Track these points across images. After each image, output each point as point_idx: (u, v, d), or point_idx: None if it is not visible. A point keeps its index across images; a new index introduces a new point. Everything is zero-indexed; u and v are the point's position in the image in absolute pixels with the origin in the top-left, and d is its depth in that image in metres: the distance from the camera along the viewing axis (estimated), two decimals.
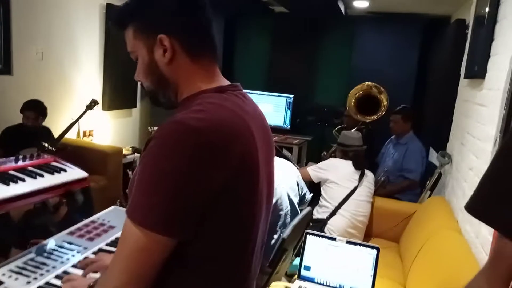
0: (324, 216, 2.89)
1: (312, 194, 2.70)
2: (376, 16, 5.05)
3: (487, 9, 2.28)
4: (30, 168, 1.31)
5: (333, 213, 2.87)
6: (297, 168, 3.08)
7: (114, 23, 0.92)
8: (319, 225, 2.84)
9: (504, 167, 0.67)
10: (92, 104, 3.76)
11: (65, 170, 1.37)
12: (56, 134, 3.51)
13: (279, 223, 2.26)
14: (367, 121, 4.01)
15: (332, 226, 2.84)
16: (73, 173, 1.38)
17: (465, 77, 2.85)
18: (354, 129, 3.73)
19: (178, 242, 0.77)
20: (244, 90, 0.95)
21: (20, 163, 1.32)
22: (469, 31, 2.94)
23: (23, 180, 1.22)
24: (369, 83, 4.02)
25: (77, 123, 3.75)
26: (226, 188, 0.77)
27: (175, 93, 0.90)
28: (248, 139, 0.83)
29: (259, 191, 0.86)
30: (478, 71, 2.34)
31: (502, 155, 0.67)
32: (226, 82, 0.92)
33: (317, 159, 3.72)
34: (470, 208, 0.71)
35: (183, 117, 0.77)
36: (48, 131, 3.48)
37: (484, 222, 0.70)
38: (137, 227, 0.74)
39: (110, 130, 4.65)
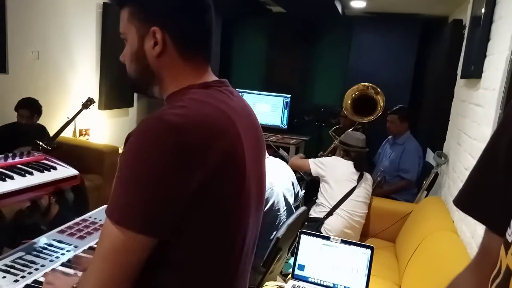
0: (321, 215, 2.88)
1: (304, 191, 2.70)
2: (373, 16, 5.05)
3: (483, 10, 2.28)
4: (19, 165, 1.29)
5: (330, 213, 2.85)
6: (296, 158, 3.11)
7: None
8: (316, 225, 2.83)
9: (488, 161, 0.67)
10: (88, 103, 3.74)
11: (55, 168, 1.35)
12: (51, 133, 3.50)
13: (276, 223, 2.25)
14: (364, 122, 4.00)
15: (329, 225, 2.82)
16: (64, 171, 1.36)
17: (461, 77, 2.85)
18: (351, 129, 3.72)
19: (160, 241, 0.75)
20: (241, 90, 0.93)
21: (10, 160, 1.30)
22: (466, 31, 2.93)
23: (12, 177, 1.20)
24: (366, 83, 4.01)
25: (74, 122, 3.73)
26: (206, 186, 0.75)
27: (159, 86, 0.88)
28: (232, 136, 0.81)
29: (245, 189, 0.84)
30: (474, 71, 2.33)
31: (488, 149, 0.68)
32: (213, 79, 0.89)
33: None
34: (458, 202, 0.71)
35: (164, 113, 0.75)
36: (43, 130, 3.47)
37: (470, 216, 0.70)
38: (114, 225, 0.72)
39: (106, 129, 4.63)
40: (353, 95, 4.02)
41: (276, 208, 2.24)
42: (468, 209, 0.69)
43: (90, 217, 1.57)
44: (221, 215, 0.80)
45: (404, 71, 4.86)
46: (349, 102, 4.01)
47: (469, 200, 0.70)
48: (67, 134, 3.79)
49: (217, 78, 0.90)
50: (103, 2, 4.26)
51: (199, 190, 0.74)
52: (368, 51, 4.97)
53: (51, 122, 3.70)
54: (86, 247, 1.36)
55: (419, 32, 4.86)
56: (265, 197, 2.18)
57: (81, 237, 1.41)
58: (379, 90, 3.93)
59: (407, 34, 4.86)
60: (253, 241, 0.95)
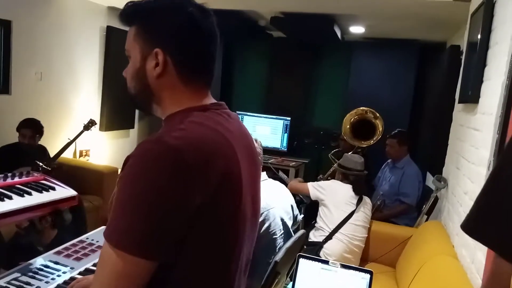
0: (320, 239, 2.86)
1: (303, 216, 2.68)
2: (372, 42, 5.13)
3: (479, 36, 2.32)
4: (18, 185, 1.30)
5: (329, 237, 2.83)
6: (295, 181, 3.09)
7: (121, 17, 0.89)
8: (315, 249, 2.80)
9: (496, 187, 0.67)
10: (89, 124, 3.77)
11: (53, 189, 1.36)
12: (52, 154, 3.51)
13: (272, 247, 2.23)
14: (363, 146, 4.01)
15: (328, 250, 2.80)
16: (62, 191, 1.36)
17: (459, 102, 2.87)
18: (351, 152, 3.72)
19: (158, 264, 0.74)
20: (242, 113, 0.94)
21: (9, 180, 1.31)
22: (463, 57, 2.98)
23: (10, 197, 1.21)
24: (364, 108, 4.04)
25: (74, 143, 3.75)
26: (205, 208, 0.75)
27: (158, 105, 0.89)
28: (229, 157, 0.82)
29: (241, 210, 0.85)
30: (471, 96, 2.36)
31: (495, 175, 0.68)
32: (211, 102, 0.91)
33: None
34: (466, 228, 0.71)
35: (162, 135, 0.76)
36: (44, 150, 3.48)
37: (479, 241, 0.69)
38: (114, 249, 0.72)
39: (107, 151, 4.64)
40: (352, 119, 4.04)
41: (272, 231, 2.22)
42: (477, 235, 0.69)
43: (87, 238, 1.56)
44: (218, 236, 0.81)
45: (403, 95, 4.91)
46: (348, 127, 4.02)
47: (477, 226, 0.69)
48: (67, 154, 3.80)
49: (215, 101, 0.92)
50: (107, 26, 4.35)
51: (198, 211, 0.75)
52: (367, 75, 5.02)
53: (52, 143, 3.72)
54: (82, 268, 1.35)
55: (417, 57, 4.93)
56: (261, 219, 2.17)
57: (78, 259, 1.40)
58: (378, 115, 3.95)
59: (406, 59, 4.93)
60: (246, 259, 0.95)
